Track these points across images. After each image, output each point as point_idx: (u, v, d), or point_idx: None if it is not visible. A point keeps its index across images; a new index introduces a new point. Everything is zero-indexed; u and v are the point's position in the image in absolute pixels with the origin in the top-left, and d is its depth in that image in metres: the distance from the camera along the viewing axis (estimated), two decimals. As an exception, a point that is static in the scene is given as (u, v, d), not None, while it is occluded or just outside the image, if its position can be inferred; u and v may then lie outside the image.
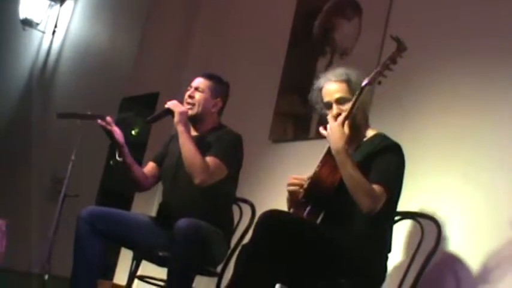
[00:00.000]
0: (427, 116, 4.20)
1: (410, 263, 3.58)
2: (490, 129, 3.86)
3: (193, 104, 4.27)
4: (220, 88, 4.38)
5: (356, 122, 3.51)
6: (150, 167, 4.44)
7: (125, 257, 5.73)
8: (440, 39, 4.26)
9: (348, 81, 3.55)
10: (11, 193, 8.67)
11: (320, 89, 3.64)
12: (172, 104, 4.18)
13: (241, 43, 6.14)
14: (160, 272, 4.17)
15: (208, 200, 4.10)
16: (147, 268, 4.43)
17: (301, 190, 3.59)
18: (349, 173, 3.33)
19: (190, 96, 4.29)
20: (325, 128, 3.47)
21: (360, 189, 3.31)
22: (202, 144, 4.12)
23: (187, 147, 4.04)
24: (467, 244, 3.77)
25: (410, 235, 3.62)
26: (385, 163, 3.43)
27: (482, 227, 3.73)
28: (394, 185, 3.44)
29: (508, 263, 3.55)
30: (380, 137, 3.58)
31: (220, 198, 4.20)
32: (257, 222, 3.26)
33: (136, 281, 4.49)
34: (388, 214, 3.50)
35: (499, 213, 3.68)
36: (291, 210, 3.65)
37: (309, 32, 5.32)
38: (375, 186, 3.33)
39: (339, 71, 3.61)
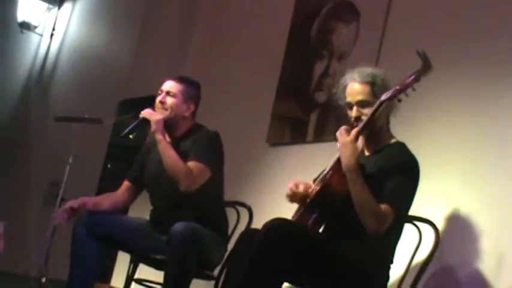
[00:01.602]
0: (425, 121, 4.19)
1: (408, 267, 3.58)
2: (488, 134, 3.86)
3: (165, 109, 4.19)
4: (192, 91, 4.28)
5: (377, 126, 3.45)
6: (124, 187, 4.39)
7: (122, 260, 5.73)
8: (438, 43, 4.25)
9: (372, 84, 3.44)
10: (9, 196, 8.65)
11: (345, 86, 3.54)
12: (147, 113, 4.11)
13: (239, 46, 6.13)
14: (158, 275, 4.16)
15: (197, 203, 4.07)
16: (144, 271, 4.43)
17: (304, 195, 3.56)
18: (358, 191, 3.27)
19: (162, 102, 4.20)
20: (347, 131, 3.39)
21: (367, 209, 3.25)
22: (179, 150, 4.08)
23: (167, 155, 4.00)
24: (466, 250, 3.77)
25: (408, 239, 3.62)
26: (398, 182, 3.33)
27: (480, 232, 3.73)
28: (403, 206, 3.37)
29: (507, 268, 3.55)
30: (399, 149, 3.50)
31: (210, 199, 4.16)
32: (263, 231, 3.20)
33: (133, 284, 4.48)
34: (396, 230, 3.44)
35: (497, 218, 3.68)
36: (295, 213, 3.62)
37: (307, 35, 5.31)
38: (384, 206, 3.26)
39: (366, 71, 3.49)
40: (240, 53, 6.07)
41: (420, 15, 4.50)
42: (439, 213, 3.86)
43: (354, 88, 3.49)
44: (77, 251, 4.03)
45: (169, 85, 4.25)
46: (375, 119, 3.37)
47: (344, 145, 3.34)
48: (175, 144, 4.15)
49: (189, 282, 3.87)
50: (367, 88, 3.45)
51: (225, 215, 4.32)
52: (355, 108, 3.47)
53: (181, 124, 4.24)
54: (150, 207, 4.33)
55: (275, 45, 5.58)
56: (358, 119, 3.44)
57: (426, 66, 3.27)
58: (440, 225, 3.71)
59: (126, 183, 4.40)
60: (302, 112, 5.08)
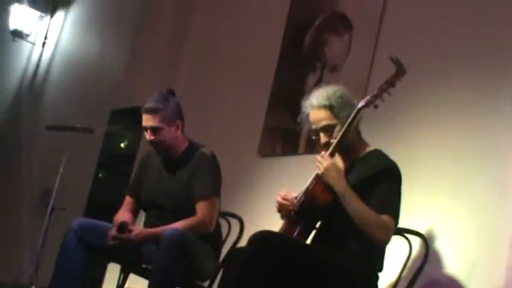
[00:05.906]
0: (418, 134, 4.21)
1: (398, 279, 3.58)
2: (481, 147, 3.88)
3: (158, 143, 4.13)
4: (170, 110, 4.13)
5: (348, 140, 3.48)
6: (128, 203, 4.33)
7: (113, 270, 5.71)
8: (430, 57, 4.28)
9: (330, 107, 3.50)
10: (0, 204, 8.63)
11: (307, 115, 3.61)
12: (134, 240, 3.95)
13: (231, 57, 6.13)
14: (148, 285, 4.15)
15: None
16: (134, 281, 4.42)
17: (291, 207, 3.56)
18: (357, 209, 3.32)
19: (152, 140, 4.13)
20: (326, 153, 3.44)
21: (371, 223, 3.30)
22: (181, 166, 4.15)
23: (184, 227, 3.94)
24: (456, 262, 3.78)
25: (398, 252, 3.63)
26: (388, 189, 3.39)
27: (471, 245, 3.74)
28: (398, 212, 3.40)
29: (497, 281, 3.56)
30: (376, 156, 3.54)
31: None
32: (249, 244, 3.22)
33: (123, 293, 4.48)
34: None
35: (488, 232, 3.69)
36: (281, 228, 3.62)
37: (300, 47, 5.32)
38: (384, 217, 3.31)
39: (321, 95, 3.54)
40: (232, 64, 6.07)
41: (412, 28, 4.52)
42: (431, 227, 3.86)
43: (315, 115, 3.56)
44: (62, 258, 4.01)
45: (149, 121, 4.11)
46: (350, 130, 3.44)
47: (327, 169, 3.40)
48: (175, 168, 4.18)
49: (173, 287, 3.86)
50: (327, 113, 3.52)
51: (220, 230, 4.30)
52: (321, 134, 3.54)
53: (177, 145, 4.21)
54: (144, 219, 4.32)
55: (268, 57, 5.59)
56: (327, 144, 3.51)
57: (400, 71, 3.42)
58: (431, 239, 3.72)
59: (129, 200, 4.36)
60: (294, 124, 5.08)
